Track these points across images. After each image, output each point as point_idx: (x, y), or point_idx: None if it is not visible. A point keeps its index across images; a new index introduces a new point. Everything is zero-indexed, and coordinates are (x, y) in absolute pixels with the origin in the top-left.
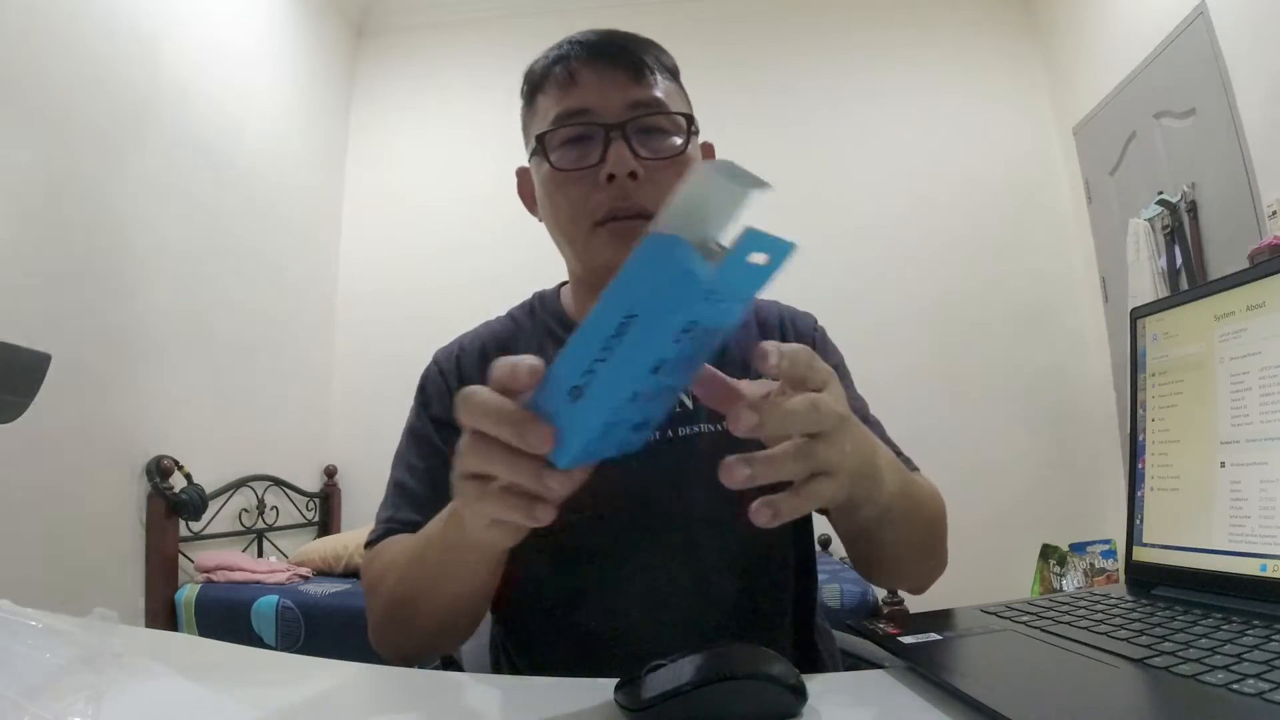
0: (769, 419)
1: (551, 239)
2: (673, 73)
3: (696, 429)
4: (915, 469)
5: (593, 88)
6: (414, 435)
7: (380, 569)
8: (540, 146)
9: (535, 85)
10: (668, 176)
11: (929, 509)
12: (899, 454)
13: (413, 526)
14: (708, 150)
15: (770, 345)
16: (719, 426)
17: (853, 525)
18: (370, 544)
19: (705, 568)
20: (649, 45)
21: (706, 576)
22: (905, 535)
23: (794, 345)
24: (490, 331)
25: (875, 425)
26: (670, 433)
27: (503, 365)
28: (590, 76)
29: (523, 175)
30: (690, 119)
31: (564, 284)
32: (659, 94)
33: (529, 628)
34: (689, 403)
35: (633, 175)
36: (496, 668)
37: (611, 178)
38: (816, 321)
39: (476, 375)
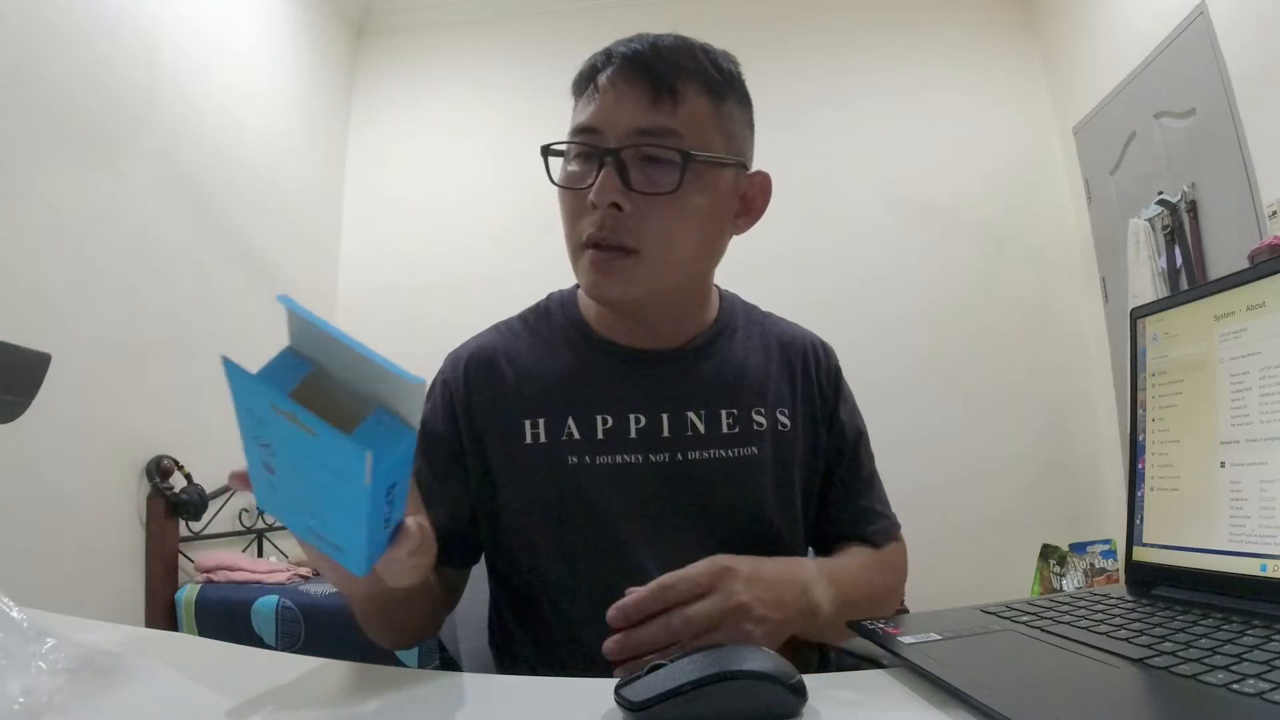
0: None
1: None
2: (715, 91)
3: (707, 454)
4: (895, 531)
5: (609, 106)
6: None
7: None
8: (545, 158)
9: (574, 87)
10: (658, 213)
11: (874, 601)
12: (881, 515)
13: None
14: (762, 180)
15: (618, 613)
16: (729, 452)
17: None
18: None
19: None
20: (688, 60)
21: None
22: (843, 631)
23: (637, 597)
24: (501, 339)
25: (872, 479)
26: (680, 456)
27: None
28: (610, 93)
29: None
30: (688, 156)
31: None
32: (673, 122)
33: (535, 618)
34: (701, 428)
35: (617, 206)
36: (493, 646)
37: (594, 205)
38: (836, 358)
39: (485, 386)
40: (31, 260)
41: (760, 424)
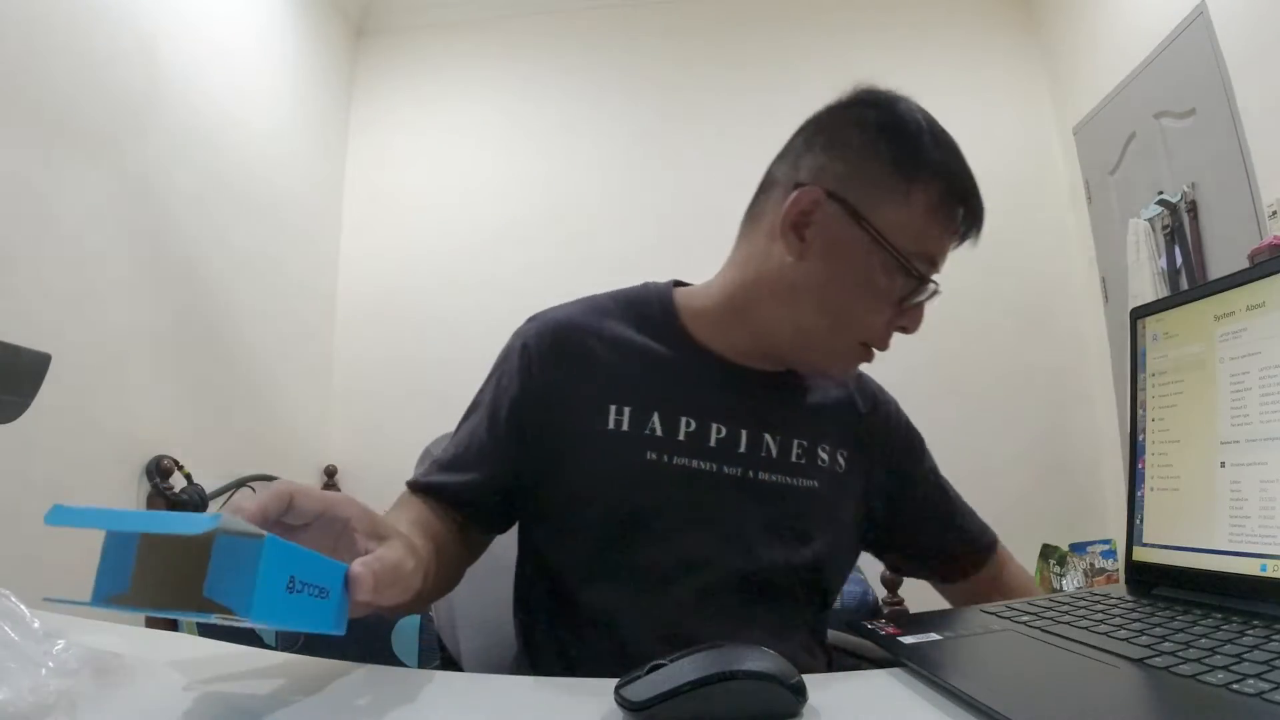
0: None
1: (767, 266)
2: None
3: (774, 477)
4: (992, 538)
5: (950, 246)
6: (478, 404)
7: None
8: (903, 259)
9: (920, 175)
10: None
11: None
12: (970, 516)
13: (438, 489)
14: None
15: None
16: (793, 480)
17: None
18: (411, 484)
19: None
20: None
21: (737, 593)
22: None
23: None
24: (594, 316)
25: (958, 499)
26: (751, 473)
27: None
28: (956, 242)
29: (816, 204)
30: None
31: (677, 284)
32: None
33: (566, 598)
34: (774, 451)
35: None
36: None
37: (904, 328)
38: (899, 406)
39: (571, 358)
40: (31, 260)
41: (824, 460)
